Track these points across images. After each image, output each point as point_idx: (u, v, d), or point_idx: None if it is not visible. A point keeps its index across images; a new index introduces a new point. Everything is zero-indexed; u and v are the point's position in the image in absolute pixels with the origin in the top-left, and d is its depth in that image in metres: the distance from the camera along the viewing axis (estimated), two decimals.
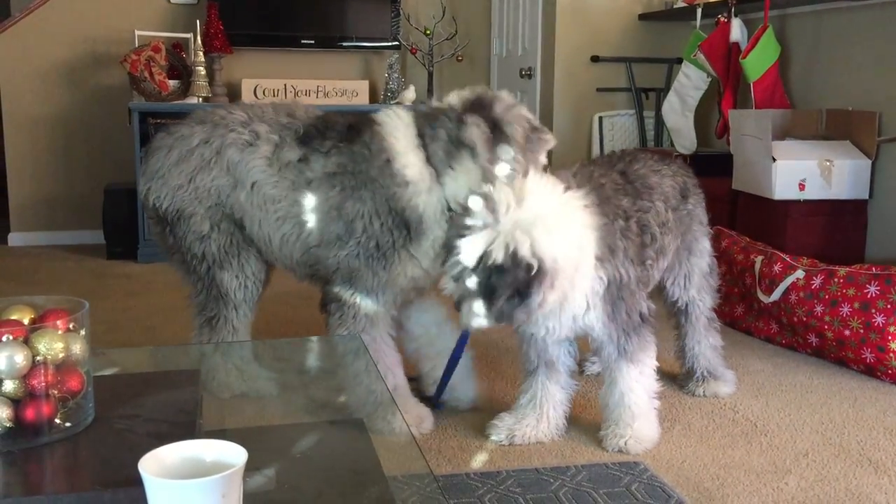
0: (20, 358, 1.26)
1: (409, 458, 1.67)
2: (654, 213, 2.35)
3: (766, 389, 2.82)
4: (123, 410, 1.43)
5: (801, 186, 3.59)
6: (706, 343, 2.73)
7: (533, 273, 1.97)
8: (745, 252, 3.41)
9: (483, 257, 1.98)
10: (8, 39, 5.19)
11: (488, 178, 2.18)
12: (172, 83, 5.01)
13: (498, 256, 1.97)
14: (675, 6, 4.79)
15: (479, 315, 2.04)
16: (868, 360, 2.91)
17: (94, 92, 5.36)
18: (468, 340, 2.50)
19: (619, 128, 5.07)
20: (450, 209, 2.26)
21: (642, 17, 5.01)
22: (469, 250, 1.99)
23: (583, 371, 2.90)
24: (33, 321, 1.33)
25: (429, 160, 2.24)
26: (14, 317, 1.33)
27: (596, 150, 5.02)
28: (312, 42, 5.49)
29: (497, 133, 2.20)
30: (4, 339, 1.26)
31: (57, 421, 1.31)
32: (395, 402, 2.27)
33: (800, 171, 3.58)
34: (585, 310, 2.19)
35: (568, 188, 2.16)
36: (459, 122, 2.21)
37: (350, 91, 5.41)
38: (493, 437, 2.36)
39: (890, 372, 2.87)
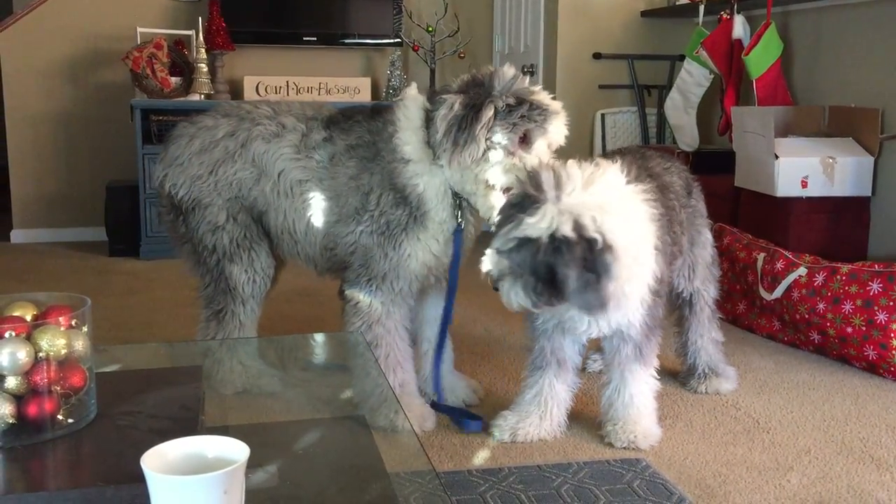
0: (23, 354, 1.26)
1: (411, 454, 1.67)
2: (674, 213, 2.36)
3: (768, 387, 2.82)
4: (126, 407, 1.43)
5: (804, 183, 3.58)
6: (708, 337, 2.74)
7: (598, 248, 1.90)
8: (747, 249, 3.40)
9: (551, 232, 1.90)
10: (10, 36, 5.20)
11: (467, 159, 2.16)
12: (174, 80, 5.01)
13: (566, 230, 1.91)
14: (677, 3, 4.78)
15: (525, 294, 1.98)
16: (870, 358, 2.90)
17: (96, 89, 5.36)
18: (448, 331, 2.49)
19: (621, 125, 5.07)
20: (454, 195, 2.27)
21: (644, 13, 5.00)
22: (533, 224, 1.92)
23: (584, 368, 2.90)
24: (36, 318, 1.33)
25: (428, 142, 2.24)
26: (17, 313, 1.33)
27: (598, 148, 5.02)
28: (314, 39, 5.49)
29: (480, 108, 2.15)
30: (7, 335, 1.26)
31: (59, 417, 1.31)
32: (399, 398, 2.27)
33: (802, 169, 3.58)
34: (638, 305, 2.17)
35: (629, 181, 2.13)
36: (442, 101, 2.20)
37: (352, 88, 5.41)
38: (496, 436, 2.35)
39: (892, 369, 2.87)
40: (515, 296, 2.00)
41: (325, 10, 5.50)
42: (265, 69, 5.49)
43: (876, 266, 2.97)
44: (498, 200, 2.17)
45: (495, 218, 2.07)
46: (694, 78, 4.61)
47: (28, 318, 1.33)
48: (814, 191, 3.60)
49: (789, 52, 4.13)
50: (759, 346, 3.26)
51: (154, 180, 2.56)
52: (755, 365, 3.03)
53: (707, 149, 4.64)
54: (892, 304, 2.84)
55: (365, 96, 5.42)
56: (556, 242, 1.91)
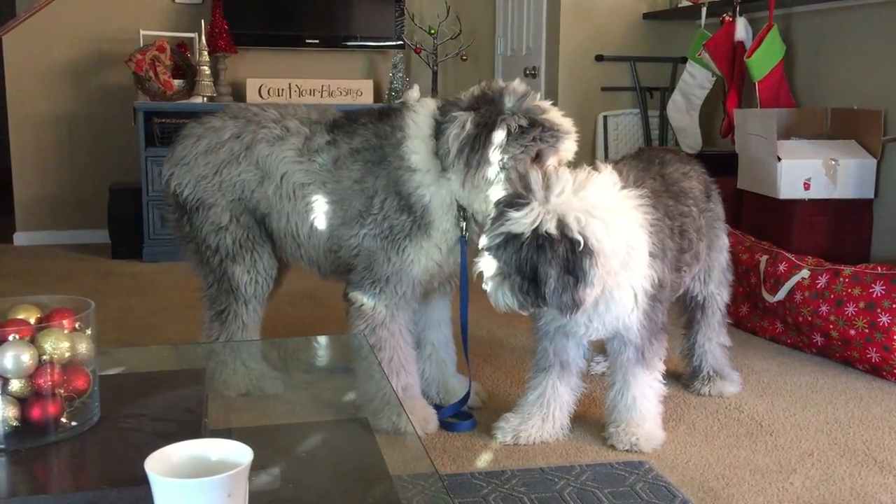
0: (26, 357, 1.26)
1: (413, 457, 1.67)
2: (691, 219, 2.36)
3: (771, 389, 2.82)
4: (129, 409, 1.43)
5: (807, 186, 3.58)
6: (716, 341, 2.74)
7: (580, 249, 1.92)
8: (749, 251, 3.40)
9: (534, 228, 1.93)
10: (13, 39, 5.21)
11: (475, 176, 2.16)
12: (177, 83, 5.02)
13: (549, 227, 1.93)
14: (679, 5, 4.78)
15: (511, 294, 2.00)
16: (873, 360, 2.90)
17: (99, 91, 5.37)
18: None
19: (623, 127, 5.07)
20: (459, 208, 2.26)
21: (647, 16, 5.00)
22: (518, 219, 1.95)
23: (588, 370, 2.90)
24: (39, 321, 1.33)
25: (437, 153, 2.24)
26: (20, 316, 1.33)
27: (600, 150, 5.02)
28: (317, 41, 5.50)
29: (493, 128, 2.15)
30: (11, 338, 1.26)
31: (63, 420, 1.31)
32: (402, 401, 2.27)
33: (805, 171, 3.58)
34: (631, 309, 2.18)
35: (624, 186, 2.15)
36: (453, 118, 2.20)
37: (354, 90, 5.41)
38: (499, 439, 2.35)
39: (895, 371, 2.86)
40: (503, 296, 2.02)
41: (327, 13, 5.51)
42: (267, 72, 5.49)
43: (879, 268, 2.97)
44: None
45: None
46: (696, 80, 4.61)
47: (31, 320, 1.33)
48: (816, 193, 3.59)
49: (792, 54, 4.13)
50: (761, 348, 3.25)
51: (160, 178, 2.57)
52: (758, 367, 3.03)
53: (709, 151, 4.64)
54: (895, 306, 2.84)
55: (367, 99, 5.42)
56: (540, 239, 1.93)
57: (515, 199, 1.99)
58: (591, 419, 2.52)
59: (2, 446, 1.28)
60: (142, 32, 5.15)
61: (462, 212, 2.28)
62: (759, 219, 3.80)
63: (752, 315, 3.40)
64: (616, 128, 5.06)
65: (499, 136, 2.13)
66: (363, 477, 1.53)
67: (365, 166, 2.32)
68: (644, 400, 2.31)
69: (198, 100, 5.03)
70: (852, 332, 2.93)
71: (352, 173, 2.34)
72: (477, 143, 2.14)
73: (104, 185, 5.23)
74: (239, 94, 5.36)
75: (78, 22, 5.26)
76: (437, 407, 2.51)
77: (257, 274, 2.47)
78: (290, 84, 5.31)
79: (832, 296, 2.99)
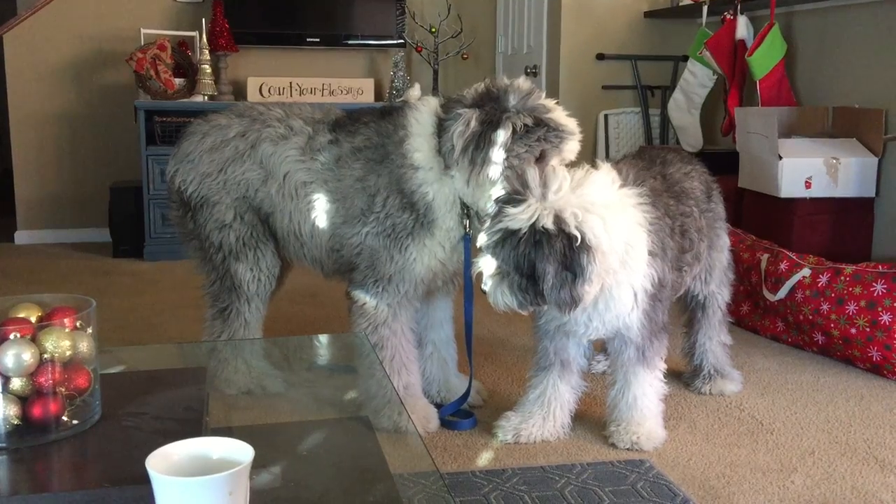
0: (28, 356, 1.26)
1: (415, 455, 1.67)
2: (692, 219, 2.36)
3: (771, 388, 2.82)
4: (130, 408, 1.43)
5: (808, 184, 3.58)
6: (717, 340, 2.74)
7: (577, 244, 1.93)
8: (750, 250, 3.40)
9: (531, 224, 1.94)
10: (14, 38, 5.21)
11: (480, 174, 2.16)
12: (178, 81, 5.02)
13: (546, 222, 1.93)
14: (680, 3, 4.78)
15: (510, 293, 2.00)
16: (874, 359, 2.90)
17: (100, 90, 5.37)
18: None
19: (624, 126, 5.07)
20: (463, 206, 2.26)
21: (648, 14, 5.00)
22: (515, 215, 1.95)
23: (588, 369, 2.90)
24: (40, 319, 1.33)
25: (439, 150, 2.24)
26: (21, 315, 1.33)
27: (601, 148, 5.02)
28: (318, 40, 5.50)
29: (496, 125, 2.14)
30: (12, 337, 1.27)
31: (64, 418, 1.31)
32: (403, 400, 2.27)
33: (806, 169, 3.57)
34: (631, 309, 2.18)
35: (624, 184, 2.15)
36: (457, 116, 2.20)
37: (355, 89, 5.41)
38: (499, 437, 2.35)
39: None
40: (501, 295, 2.02)
41: (328, 12, 5.51)
42: (268, 70, 5.49)
43: (880, 267, 2.97)
44: None
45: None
46: (697, 79, 4.61)
47: (33, 319, 1.33)
48: (817, 191, 3.59)
49: (793, 52, 4.13)
50: (762, 347, 3.25)
51: (165, 174, 2.57)
52: (759, 366, 3.03)
53: (710, 149, 4.63)
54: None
55: (368, 97, 5.42)
56: (537, 235, 1.93)
57: (513, 196, 2.00)
58: (592, 418, 2.52)
59: (3, 445, 1.28)
60: (143, 31, 5.15)
61: (466, 209, 2.27)
62: (761, 217, 3.80)
63: (753, 314, 3.40)
64: (617, 126, 5.05)
65: (504, 134, 2.12)
66: (364, 475, 1.53)
67: (367, 165, 2.32)
68: (645, 399, 2.31)
69: (199, 98, 5.03)
70: (853, 330, 2.93)
71: (354, 172, 2.34)
72: (482, 141, 2.14)
73: (105, 184, 5.23)
74: (240, 92, 5.36)
75: (79, 21, 5.26)
76: (438, 406, 2.51)
77: (260, 272, 2.47)
78: (290, 83, 5.31)
79: (833, 294, 2.99)
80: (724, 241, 2.70)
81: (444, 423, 2.44)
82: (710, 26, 4.50)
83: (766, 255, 3.30)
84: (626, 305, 2.16)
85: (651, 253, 2.15)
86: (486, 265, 2.03)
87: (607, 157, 4.87)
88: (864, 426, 2.50)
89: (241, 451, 1.04)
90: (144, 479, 0.99)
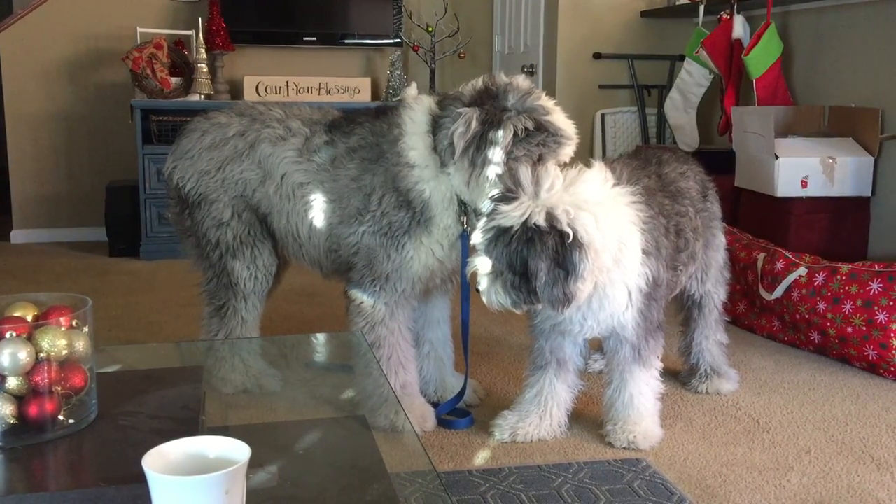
0: (24, 355, 1.26)
1: (411, 454, 1.67)
2: (687, 219, 2.36)
3: (768, 386, 2.82)
4: (126, 407, 1.43)
5: (804, 183, 3.58)
6: (713, 339, 2.74)
7: (569, 241, 1.93)
8: (747, 249, 3.40)
9: (524, 221, 1.94)
10: (10, 37, 5.20)
11: (478, 173, 2.16)
12: (175, 80, 5.01)
13: (538, 219, 1.94)
14: (677, 3, 4.78)
15: (504, 292, 2.00)
16: (870, 358, 2.91)
17: (96, 89, 5.36)
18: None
19: (621, 125, 5.07)
20: (460, 203, 2.26)
21: (644, 13, 5.00)
22: (508, 213, 1.96)
23: (585, 368, 2.90)
24: (36, 318, 1.33)
25: (435, 148, 2.23)
26: (17, 314, 1.33)
27: (598, 148, 5.02)
28: (314, 39, 5.49)
29: (496, 125, 2.14)
30: (8, 335, 1.26)
31: (60, 418, 1.31)
32: (400, 399, 2.27)
33: (802, 169, 3.58)
34: (626, 307, 2.18)
35: (617, 183, 2.15)
36: (457, 115, 2.19)
37: (352, 88, 5.41)
38: (496, 436, 2.36)
39: (892, 369, 2.87)
40: (495, 294, 2.02)
41: (324, 11, 5.50)
42: (265, 69, 5.49)
43: (876, 266, 2.97)
44: None
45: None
46: (694, 78, 4.61)
47: (29, 318, 1.32)
48: (814, 191, 3.60)
49: (789, 52, 4.13)
50: (759, 346, 3.26)
51: (164, 170, 2.57)
52: (755, 365, 3.03)
53: (707, 149, 4.64)
54: (892, 303, 2.84)
55: (365, 97, 5.42)
56: (529, 232, 1.93)
57: (505, 194, 2.00)
58: (589, 417, 2.52)
59: None
60: (139, 30, 5.14)
61: (463, 206, 2.27)
62: (757, 216, 3.80)
63: (749, 313, 3.41)
64: (614, 125, 5.06)
65: (504, 136, 2.12)
66: (361, 474, 1.53)
67: (362, 164, 2.32)
68: (641, 398, 2.31)
69: (195, 97, 5.03)
70: (849, 329, 2.93)
71: (349, 171, 2.34)
72: (482, 142, 2.14)
73: (102, 183, 5.23)
74: (236, 91, 5.36)
75: (75, 19, 5.25)
76: (435, 405, 2.51)
77: (257, 270, 2.47)
78: (287, 82, 5.31)
79: (829, 293, 3.00)
80: (720, 241, 2.70)
81: (441, 423, 2.44)
82: (706, 26, 4.50)
83: (762, 255, 3.31)
84: (620, 304, 2.16)
85: (645, 252, 2.15)
86: (481, 264, 2.03)
87: (604, 156, 4.87)
88: (860, 425, 2.51)
89: (237, 450, 1.04)
90: (141, 478, 0.99)
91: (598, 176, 2.09)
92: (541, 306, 2.10)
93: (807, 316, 3.07)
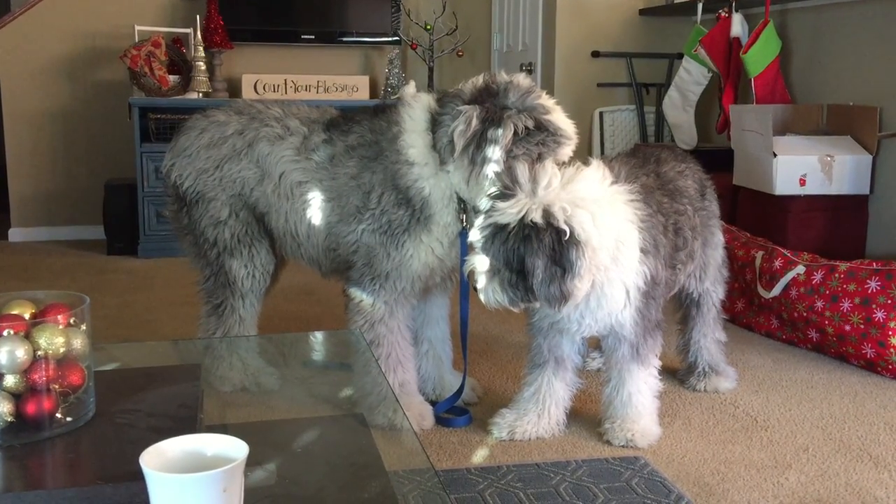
0: (21, 352, 1.26)
1: (410, 452, 1.67)
2: (686, 218, 2.36)
3: (766, 385, 2.83)
4: (124, 405, 1.43)
5: (802, 182, 3.59)
6: (712, 337, 2.74)
7: (566, 238, 1.93)
8: (745, 247, 3.40)
9: (520, 218, 1.94)
10: (8, 34, 5.19)
11: (478, 171, 2.16)
12: (172, 78, 5.01)
13: (535, 217, 1.93)
14: (675, 1, 4.78)
15: (501, 290, 2.00)
16: (868, 356, 2.91)
17: (94, 87, 5.36)
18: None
19: (619, 123, 5.07)
20: (460, 201, 2.26)
21: (643, 12, 5.00)
22: (505, 210, 1.96)
23: (583, 366, 2.90)
24: (34, 316, 1.33)
25: (434, 145, 2.23)
26: (15, 311, 1.33)
27: (596, 146, 5.02)
28: (312, 37, 5.49)
29: (497, 123, 2.13)
30: (5, 333, 1.26)
31: (58, 415, 1.31)
32: (399, 397, 2.27)
33: (800, 167, 3.58)
34: (624, 306, 2.18)
35: (615, 181, 2.15)
36: (457, 112, 2.18)
37: (350, 86, 5.41)
38: (494, 434, 2.36)
39: (890, 367, 2.87)
40: (493, 292, 2.02)
41: (323, 9, 5.50)
42: (263, 67, 5.49)
43: (874, 264, 2.97)
44: None
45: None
46: (692, 76, 4.61)
47: (26, 316, 1.32)
48: (812, 189, 3.60)
49: (788, 50, 4.14)
50: (757, 344, 3.26)
51: (161, 168, 2.57)
52: (753, 363, 3.04)
53: (705, 147, 4.64)
54: (890, 302, 2.84)
55: (363, 95, 5.41)
56: (526, 229, 1.94)
57: (502, 192, 2.00)
58: (587, 415, 2.52)
59: None
60: (137, 28, 5.13)
61: (463, 204, 2.27)
62: (755, 215, 3.81)
63: (747, 311, 3.41)
64: (612, 124, 5.06)
65: (504, 134, 2.12)
66: (359, 473, 1.53)
67: (361, 162, 2.32)
68: (640, 396, 2.31)
69: (193, 95, 5.02)
70: (847, 327, 2.94)
71: (348, 170, 2.33)
72: (482, 141, 2.13)
73: (99, 182, 5.22)
74: (234, 89, 5.35)
75: (72, 17, 5.25)
76: (433, 403, 2.51)
77: (255, 268, 2.47)
78: (285, 80, 5.30)
79: (827, 292, 3.00)
80: (719, 239, 2.70)
81: (440, 421, 2.44)
82: (705, 24, 4.50)
83: (760, 253, 3.31)
84: (618, 303, 2.16)
85: (643, 250, 2.15)
86: (479, 262, 2.03)
87: (602, 154, 4.87)
88: (858, 423, 2.51)
89: (235, 448, 1.04)
90: (139, 476, 0.99)
91: (595, 174, 2.09)
92: (538, 304, 2.10)
93: (805, 314, 3.07)
